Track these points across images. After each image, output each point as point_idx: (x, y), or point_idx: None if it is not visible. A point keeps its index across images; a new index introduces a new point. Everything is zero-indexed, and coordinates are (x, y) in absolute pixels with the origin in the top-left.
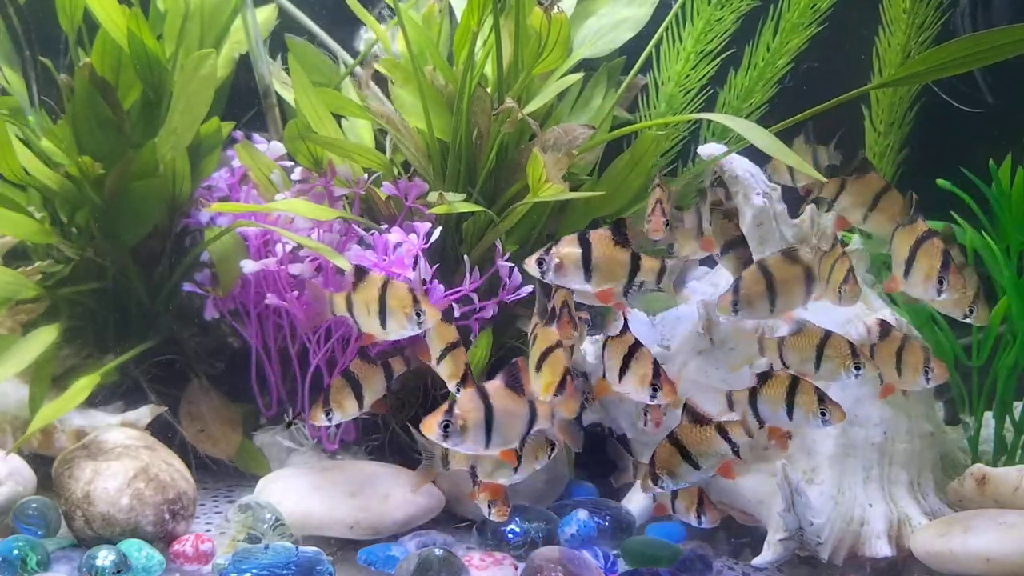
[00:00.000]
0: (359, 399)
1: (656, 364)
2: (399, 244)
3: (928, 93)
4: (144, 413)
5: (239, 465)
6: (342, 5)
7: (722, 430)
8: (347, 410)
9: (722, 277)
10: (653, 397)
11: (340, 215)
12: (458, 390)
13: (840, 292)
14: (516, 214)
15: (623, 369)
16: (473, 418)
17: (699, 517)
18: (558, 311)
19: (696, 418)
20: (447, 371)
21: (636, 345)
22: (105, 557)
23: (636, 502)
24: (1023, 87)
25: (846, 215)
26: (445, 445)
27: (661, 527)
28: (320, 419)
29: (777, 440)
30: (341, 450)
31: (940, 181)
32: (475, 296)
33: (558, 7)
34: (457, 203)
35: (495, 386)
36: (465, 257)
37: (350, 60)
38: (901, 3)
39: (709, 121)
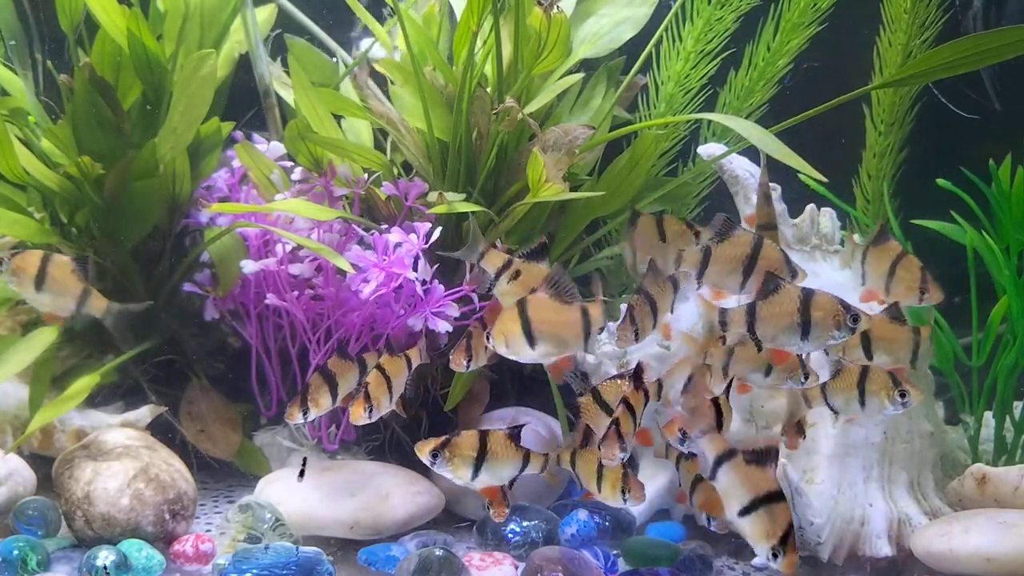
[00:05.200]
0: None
1: None
2: (399, 244)
3: (929, 93)
4: (144, 413)
5: (239, 465)
6: (342, 6)
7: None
8: (323, 406)
9: None
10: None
11: (340, 215)
12: None
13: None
14: (516, 214)
15: None
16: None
17: (709, 520)
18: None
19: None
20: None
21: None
22: (105, 557)
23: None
24: (1022, 88)
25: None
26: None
27: (661, 527)
28: (309, 410)
29: (789, 438)
30: (341, 450)
31: (940, 181)
32: (475, 296)
33: (558, 7)
34: (457, 203)
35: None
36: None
37: (350, 60)
38: (902, 3)
39: (709, 121)
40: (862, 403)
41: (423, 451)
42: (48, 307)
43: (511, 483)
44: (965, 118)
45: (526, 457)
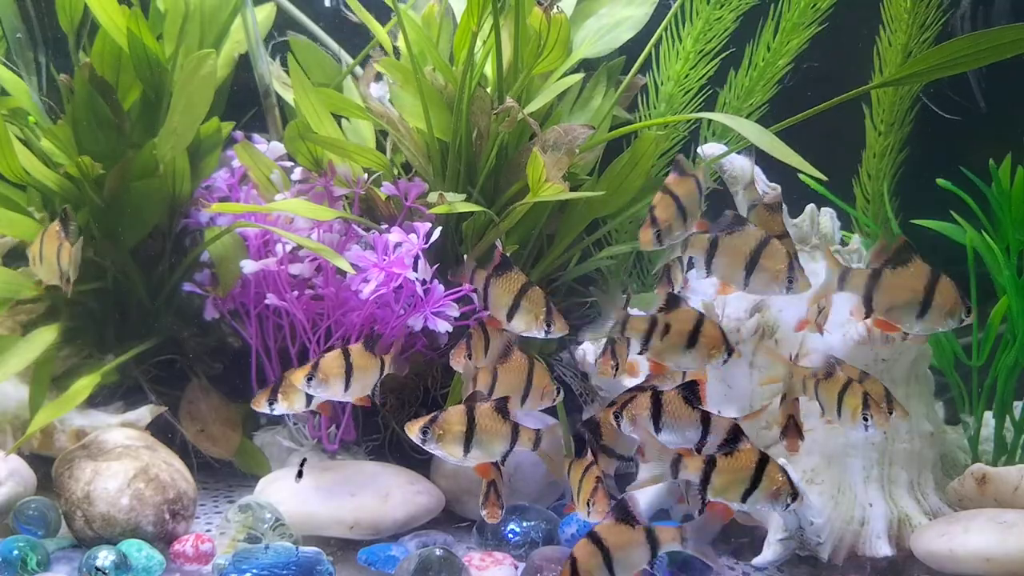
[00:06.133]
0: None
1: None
2: (399, 244)
3: (929, 94)
4: (144, 413)
5: (239, 465)
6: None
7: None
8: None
9: None
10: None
11: (340, 215)
12: None
13: None
14: (516, 214)
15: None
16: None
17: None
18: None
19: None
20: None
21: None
22: (105, 557)
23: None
24: (1021, 87)
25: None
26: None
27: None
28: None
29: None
30: (341, 450)
31: (940, 181)
32: (475, 296)
33: (558, 7)
34: (457, 203)
35: None
36: (465, 257)
37: (350, 60)
38: (902, 2)
39: (709, 121)
40: (839, 412)
41: (412, 429)
42: (43, 276)
43: (503, 459)
44: (966, 118)
45: (515, 430)
